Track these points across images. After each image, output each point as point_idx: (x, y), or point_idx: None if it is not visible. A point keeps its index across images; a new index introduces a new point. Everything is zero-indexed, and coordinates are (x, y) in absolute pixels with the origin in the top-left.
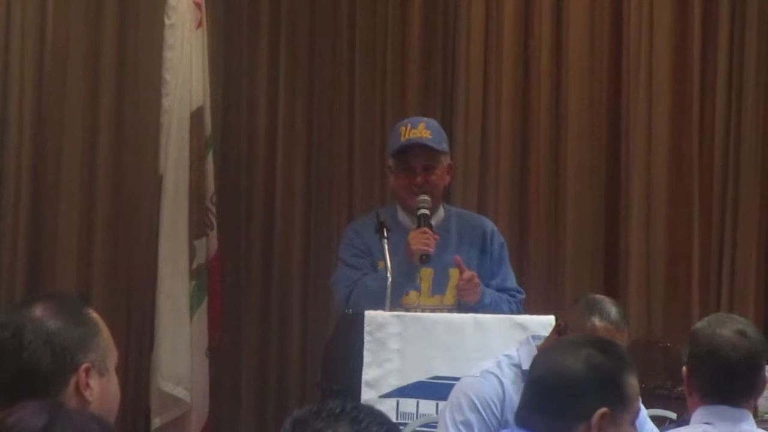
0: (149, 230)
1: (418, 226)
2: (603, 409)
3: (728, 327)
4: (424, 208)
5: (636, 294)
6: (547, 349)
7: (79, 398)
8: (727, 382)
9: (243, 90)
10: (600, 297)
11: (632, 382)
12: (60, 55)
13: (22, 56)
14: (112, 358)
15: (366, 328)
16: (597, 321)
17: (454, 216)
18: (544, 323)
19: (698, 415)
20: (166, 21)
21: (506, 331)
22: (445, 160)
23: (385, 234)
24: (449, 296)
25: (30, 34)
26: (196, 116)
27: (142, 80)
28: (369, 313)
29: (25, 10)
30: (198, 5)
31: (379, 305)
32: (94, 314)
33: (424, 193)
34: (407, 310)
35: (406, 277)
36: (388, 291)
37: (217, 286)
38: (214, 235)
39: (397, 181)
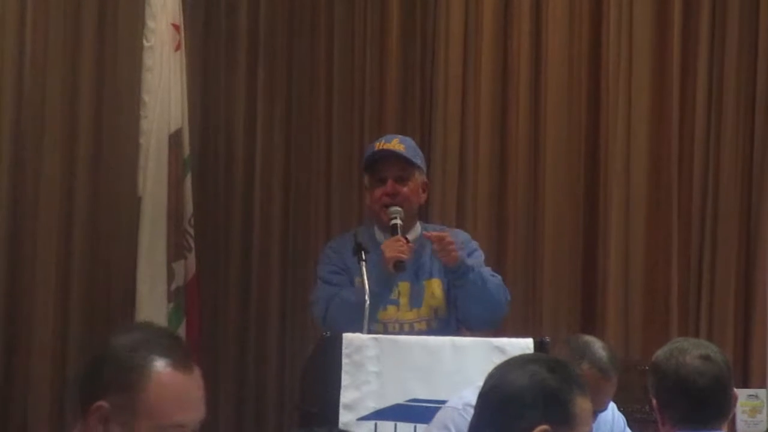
0: (127, 252)
1: (392, 236)
2: (543, 426)
3: (691, 354)
4: (396, 218)
5: (614, 316)
6: (500, 364)
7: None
8: (699, 410)
9: (221, 112)
10: (591, 339)
11: (581, 403)
12: (38, 74)
13: (0, 78)
14: (151, 423)
15: (344, 351)
16: (586, 366)
17: (430, 231)
18: (522, 346)
19: None
20: (145, 43)
21: (484, 353)
22: (420, 177)
23: (363, 256)
24: (424, 308)
25: (8, 52)
26: (175, 138)
27: (120, 102)
28: (347, 336)
29: (3, 29)
30: (177, 28)
31: (357, 318)
32: (159, 367)
33: (396, 205)
34: (386, 325)
35: (385, 288)
36: (366, 312)
37: (195, 308)
38: (192, 257)
39: (371, 195)
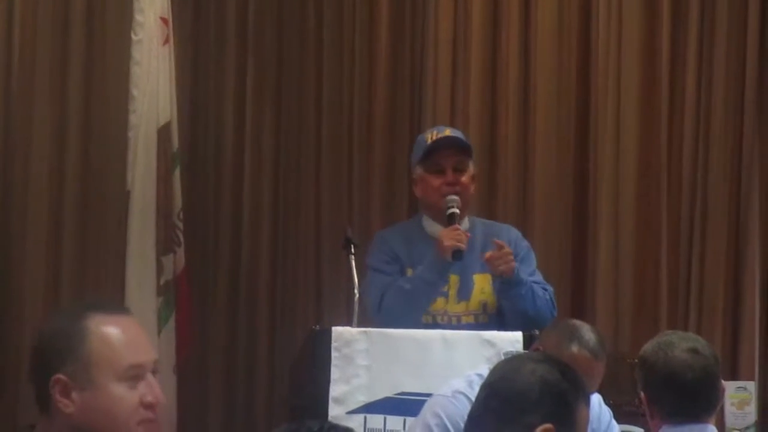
0: (116, 246)
1: (449, 225)
2: (547, 425)
3: (679, 348)
4: (453, 207)
5: (603, 309)
6: (511, 358)
7: (58, 409)
8: (687, 403)
9: (210, 106)
10: (579, 323)
11: (584, 411)
12: (27, 70)
13: None
14: (107, 371)
15: (333, 344)
16: (575, 348)
17: (479, 224)
18: (511, 339)
19: None
20: (133, 37)
21: (474, 347)
22: (473, 167)
23: (352, 251)
24: (473, 302)
25: None
26: (163, 132)
27: (109, 96)
28: (336, 329)
29: None
30: (165, 21)
31: (412, 306)
32: (94, 321)
33: (455, 194)
34: (435, 317)
35: (439, 278)
36: (356, 308)
37: (185, 302)
38: (181, 251)
39: (428, 184)
